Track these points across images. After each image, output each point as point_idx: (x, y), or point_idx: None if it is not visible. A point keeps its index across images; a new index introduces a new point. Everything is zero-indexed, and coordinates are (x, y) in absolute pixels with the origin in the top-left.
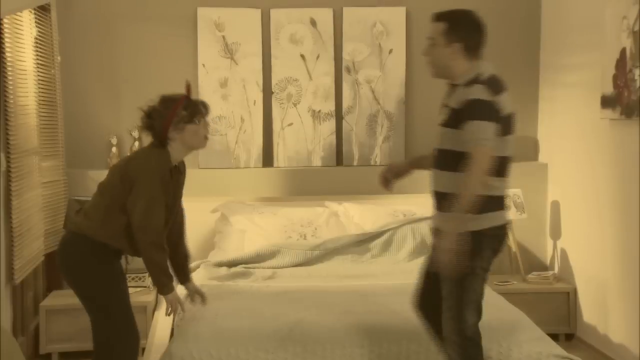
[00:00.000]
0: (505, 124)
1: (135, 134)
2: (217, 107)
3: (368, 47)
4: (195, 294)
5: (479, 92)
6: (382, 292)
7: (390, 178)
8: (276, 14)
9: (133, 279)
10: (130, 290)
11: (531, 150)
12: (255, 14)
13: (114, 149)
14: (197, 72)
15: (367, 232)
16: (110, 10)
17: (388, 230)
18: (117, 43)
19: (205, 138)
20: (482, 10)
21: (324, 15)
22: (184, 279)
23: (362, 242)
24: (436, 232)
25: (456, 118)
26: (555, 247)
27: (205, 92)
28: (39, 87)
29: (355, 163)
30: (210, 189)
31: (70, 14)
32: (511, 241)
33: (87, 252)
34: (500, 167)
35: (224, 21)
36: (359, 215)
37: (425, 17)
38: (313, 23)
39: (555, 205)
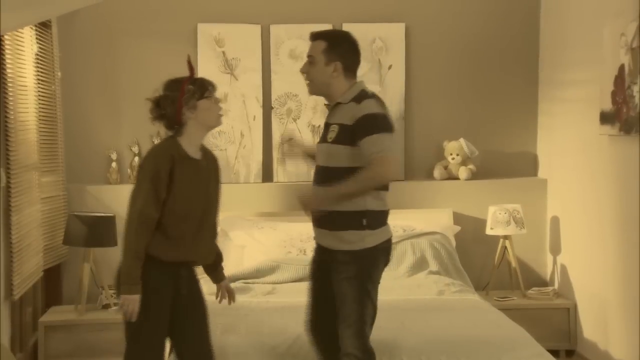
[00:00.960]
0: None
1: (135, 149)
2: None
3: (367, 63)
4: (226, 292)
5: (372, 107)
6: (382, 307)
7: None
8: (276, 30)
9: None
10: None
11: (530, 166)
12: (255, 30)
13: (113, 164)
14: None
15: None
16: (111, 26)
17: None
18: (117, 59)
19: (220, 114)
20: (481, 26)
21: None
22: (218, 278)
23: None
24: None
25: (350, 135)
26: (555, 262)
27: None
28: (40, 103)
29: None
30: None
31: (71, 30)
32: (511, 256)
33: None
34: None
35: (224, 37)
36: None
37: (424, 33)
38: None
39: (555, 221)
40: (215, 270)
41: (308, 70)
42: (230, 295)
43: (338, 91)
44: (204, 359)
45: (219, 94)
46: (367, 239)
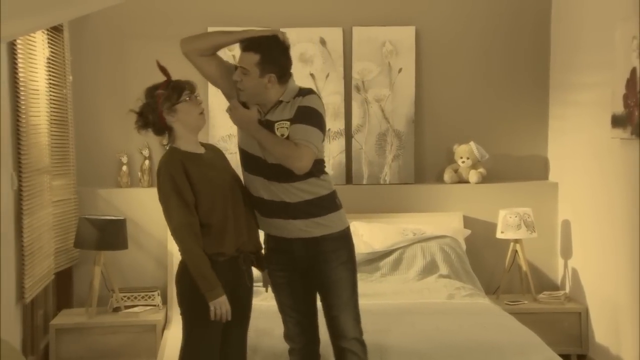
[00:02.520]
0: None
1: (146, 152)
2: (227, 126)
3: (377, 66)
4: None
5: (315, 103)
6: (392, 312)
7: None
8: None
9: (143, 297)
10: (138, 309)
11: (541, 170)
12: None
13: (124, 168)
14: (207, 91)
15: (377, 250)
16: (122, 31)
17: (397, 249)
18: (128, 63)
19: (201, 114)
20: (491, 29)
21: (334, 35)
22: (263, 266)
23: (371, 261)
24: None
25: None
26: (566, 266)
27: (216, 111)
28: (51, 107)
29: (364, 182)
30: None
31: (82, 34)
32: (522, 260)
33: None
34: (324, 167)
35: None
36: (368, 233)
37: (435, 37)
38: (323, 42)
39: (566, 225)
40: (260, 257)
41: (241, 79)
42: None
43: (273, 97)
44: (244, 355)
45: None
46: (343, 218)
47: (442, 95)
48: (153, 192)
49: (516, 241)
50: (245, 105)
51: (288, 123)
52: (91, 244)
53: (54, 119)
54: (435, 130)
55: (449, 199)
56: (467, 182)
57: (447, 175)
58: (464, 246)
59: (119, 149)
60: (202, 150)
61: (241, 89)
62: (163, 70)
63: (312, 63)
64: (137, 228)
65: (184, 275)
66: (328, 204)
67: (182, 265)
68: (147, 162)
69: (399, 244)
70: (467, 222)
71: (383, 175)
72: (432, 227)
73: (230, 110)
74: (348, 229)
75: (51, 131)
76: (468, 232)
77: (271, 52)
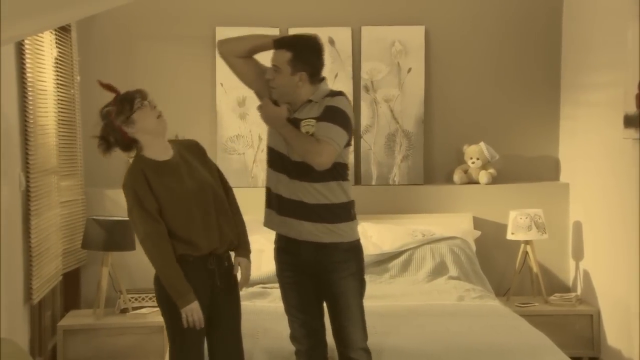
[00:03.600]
0: (350, 138)
1: None
2: (235, 126)
3: (387, 66)
4: (239, 268)
5: (343, 104)
6: (401, 313)
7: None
8: (294, 33)
9: (151, 298)
10: (146, 310)
11: (552, 170)
12: (273, 33)
13: None
14: (215, 91)
15: (386, 252)
16: (129, 31)
17: (407, 250)
18: (136, 63)
19: (159, 117)
20: (502, 28)
21: (343, 34)
22: (238, 254)
23: (380, 262)
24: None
25: None
26: (577, 268)
27: (224, 111)
28: (59, 107)
29: (373, 182)
30: None
31: (90, 34)
32: (532, 262)
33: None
34: (347, 174)
35: None
36: (377, 235)
37: (444, 36)
38: (331, 42)
39: (578, 226)
40: (237, 247)
41: (273, 77)
42: (243, 279)
43: (304, 97)
44: (234, 357)
45: (237, 96)
46: (355, 230)
47: (452, 95)
48: None
49: (527, 242)
50: (275, 103)
51: (314, 121)
52: (99, 244)
53: (62, 120)
54: (445, 131)
55: (459, 200)
56: (477, 182)
57: (457, 176)
58: (474, 247)
59: None
60: (168, 156)
61: (273, 86)
62: (108, 87)
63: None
64: None
65: (158, 281)
66: (342, 212)
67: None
68: None
69: (408, 245)
70: (477, 223)
71: (392, 175)
72: (441, 228)
73: (260, 108)
74: (359, 241)
75: (59, 132)
76: (478, 233)
77: (303, 51)
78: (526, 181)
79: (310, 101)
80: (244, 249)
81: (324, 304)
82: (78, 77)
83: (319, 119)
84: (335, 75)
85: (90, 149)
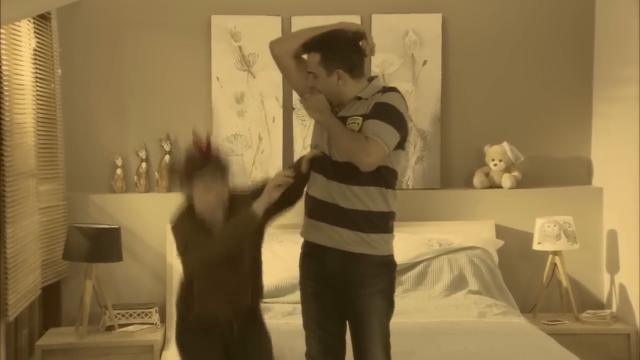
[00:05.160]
0: (404, 140)
1: (143, 154)
2: (232, 125)
3: (400, 58)
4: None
5: (395, 100)
6: (416, 331)
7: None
8: (298, 22)
9: (139, 315)
10: (133, 327)
11: (584, 173)
12: (274, 22)
13: (118, 171)
14: (210, 86)
15: (399, 263)
16: (116, 19)
17: (422, 261)
18: (124, 54)
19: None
20: (527, 16)
21: None
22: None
23: None
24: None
25: None
26: (612, 282)
27: (220, 108)
28: (38, 103)
29: None
30: None
31: (73, 23)
32: (561, 275)
33: None
34: (393, 181)
35: (241, 30)
36: None
37: (464, 25)
38: None
39: (612, 235)
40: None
41: (314, 83)
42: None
43: (350, 94)
44: None
45: (234, 91)
46: (390, 244)
47: (472, 90)
48: (150, 198)
49: (555, 253)
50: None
51: (360, 119)
52: (82, 255)
53: (41, 117)
54: (464, 130)
55: (480, 205)
56: (499, 187)
57: (478, 180)
58: (496, 259)
59: (113, 150)
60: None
61: (319, 92)
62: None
63: None
64: (132, 238)
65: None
66: (379, 222)
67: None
68: (144, 164)
69: (424, 255)
70: (500, 231)
71: (405, 179)
72: (460, 237)
73: (304, 99)
74: (392, 257)
75: (38, 131)
76: (501, 242)
77: (332, 48)
78: (554, 185)
79: (359, 98)
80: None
81: (347, 323)
82: (59, 71)
83: (366, 116)
84: None
85: (72, 149)
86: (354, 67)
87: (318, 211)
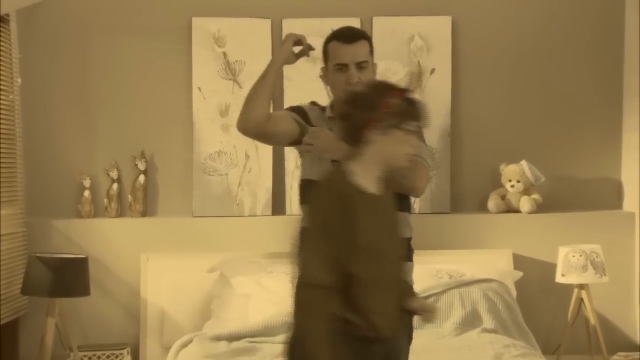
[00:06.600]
0: None
1: (114, 174)
2: (216, 141)
3: (404, 66)
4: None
5: None
6: None
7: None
8: (290, 25)
9: (108, 357)
10: None
11: (613, 196)
12: (263, 25)
13: (86, 193)
14: (191, 97)
15: None
16: (84, 21)
17: (430, 295)
18: (92, 61)
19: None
20: (548, 19)
21: None
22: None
23: None
24: None
25: None
26: None
27: (202, 121)
28: None
29: None
30: (206, 243)
31: (35, 26)
32: (589, 311)
33: None
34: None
35: (225, 34)
36: None
37: (476, 29)
38: None
39: None
40: None
41: (360, 78)
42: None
43: None
44: None
45: (218, 103)
46: (412, 274)
47: (486, 102)
48: (122, 224)
49: (581, 287)
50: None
51: None
52: (43, 289)
53: None
54: (477, 147)
55: (495, 232)
56: (517, 211)
57: (493, 203)
58: (514, 292)
59: (80, 169)
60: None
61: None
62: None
63: (321, 62)
64: (102, 269)
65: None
66: (408, 251)
67: None
68: (115, 186)
69: (432, 289)
70: (518, 261)
71: (412, 202)
72: (473, 268)
73: (314, 136)
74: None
75: None
76: (519, 274)
77: (371, 39)
78: (580, 210)
79: None
80: None
81: None
82: (19, 79)
83: None
84: None
85: (33, 168)
86: None
87: None
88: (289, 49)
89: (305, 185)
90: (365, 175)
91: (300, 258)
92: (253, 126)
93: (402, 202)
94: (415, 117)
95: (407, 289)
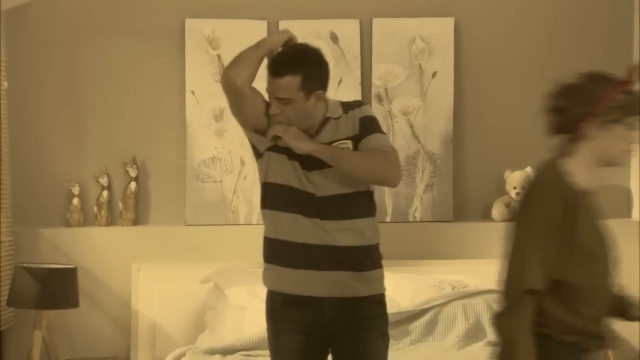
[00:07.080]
0: None
1: (104, 180)
2: (210, 146)
3: (405, 70)
4: None
5: (372, 112)
6: None
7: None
8: (286, 27)
9: None
10: None
11: (622, 205)
12: (259, 27)
13: (75, 201)
14: (184, 101)
15: (405, 310)
16: (73, 23)
17: (432, 307)
18: (82, 64)
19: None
20: (554, 21)
21: (348, 28)
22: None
23: (398, 323)
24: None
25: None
26: None
27: (195, 126)
28: None
29: (387, 219)
30: (200, 252)
31: (21, 28)
32: None
33: None
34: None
35: (220, 36)
36: (393, 287)
37: (479, 30)
38: (334, 38)
39: None
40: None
41: (281, 110)
42: None
43: (320, 116)
44: None
45: (212, 107)
46: (384, 279)
47: (490, 106)
48: (112, 232)
49: None
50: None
51: (350, 142)
52: (30, 301)
53: None
54: (481, 153)
55: (499, 241)
56: None
57: (497, 211)
58: None
59: (69, 176)
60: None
61: (281, 121)
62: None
63: None
64: (91, 280)
65: None
66: (377, 256)
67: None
68: (105, 193)
69: (434, 301)
70: None
71: (412, 210)
72: (477, 279)
73: (285, 131)
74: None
75: None
76: None
77: (312, 67)
78: None
79: (327, 119)
80: None
81: None
82: (5, 83)
83: (362, 134)
84: (339, 81)
85: (19, 175)
86: (327, 87)
87: (305, 257)
88: (280, 43)
89: (267, 189)
90: (581, 174)
91: (515, 261)
92: (240, 82)
93: (368, 205)
94: (638, 112)
95: (622, 295)
